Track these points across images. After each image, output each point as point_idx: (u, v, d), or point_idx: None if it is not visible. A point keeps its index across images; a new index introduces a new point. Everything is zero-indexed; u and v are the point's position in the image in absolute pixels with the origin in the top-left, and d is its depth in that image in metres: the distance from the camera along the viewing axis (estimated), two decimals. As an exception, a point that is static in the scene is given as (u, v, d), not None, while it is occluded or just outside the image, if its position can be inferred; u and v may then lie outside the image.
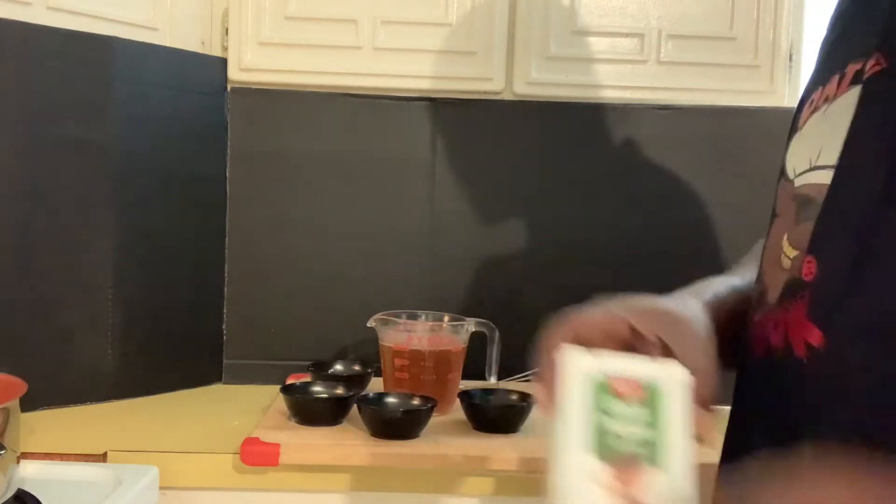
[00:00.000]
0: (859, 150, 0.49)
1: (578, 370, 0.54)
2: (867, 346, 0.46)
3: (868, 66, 0.52)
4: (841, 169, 0.50)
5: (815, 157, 0.54)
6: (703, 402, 0.56)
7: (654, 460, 0.52)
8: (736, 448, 0.58)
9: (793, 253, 0.53)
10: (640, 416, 0.53)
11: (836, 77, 0.55)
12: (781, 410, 0.52)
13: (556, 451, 0.52)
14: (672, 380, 0.54)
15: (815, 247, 0.51)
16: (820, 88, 0.58)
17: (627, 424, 0.53)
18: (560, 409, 0.53)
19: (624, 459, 0.52)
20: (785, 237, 0.55)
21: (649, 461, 0.52)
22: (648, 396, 0.53)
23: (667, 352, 0.56)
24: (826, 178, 0.51)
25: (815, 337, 0.49)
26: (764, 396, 0.54)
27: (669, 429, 0.53)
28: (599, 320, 0.59)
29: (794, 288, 0.52)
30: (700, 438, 0.55)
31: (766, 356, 0.54)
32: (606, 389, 0.53)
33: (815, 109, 0.57)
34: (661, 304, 0.61)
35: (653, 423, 0.53)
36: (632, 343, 0.57)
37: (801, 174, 0.56)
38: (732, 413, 0.62)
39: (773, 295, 0.55)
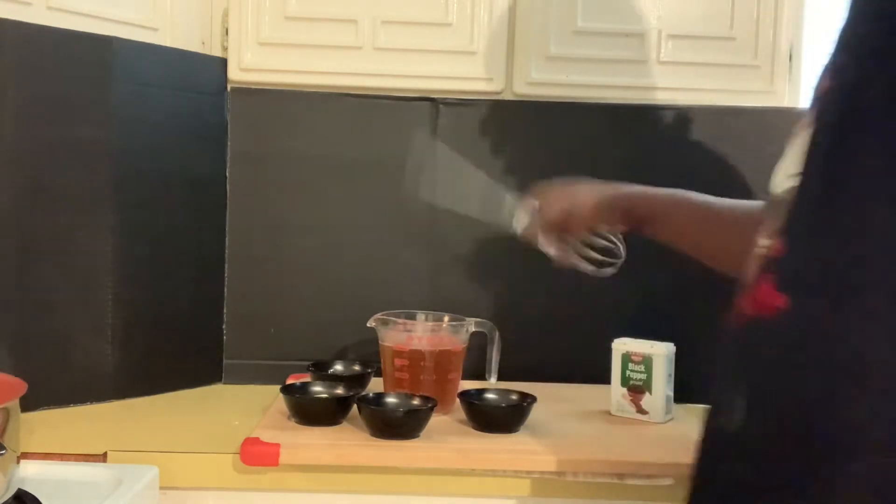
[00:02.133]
0: (811, 162, 0.63)
1: (616, 350, 1.18)
2: (824, 303, 0.59)
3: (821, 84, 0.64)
4: (802, 175, 0.63)
5: (787, 170, 0.67)
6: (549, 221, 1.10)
7: (647, 389, 1.17)
8: (715, 413, 0.69)
9: (766, 242, 0.65)
10: (641, 369, 1.17)
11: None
12: (752, 372, 0.64)
13: (612, 387, 1.19)
14: (657, 352, 1.16)
15: (786, 230, 0.64)
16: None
17: (636, 372, 1.17)
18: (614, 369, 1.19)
19: (635, 387, 1.17)
20: (761, 235, 0.67)
21: (646, 389, 1.17)
22: (644, 359, 1.17)
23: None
24: (793, 182, 0.65)
25: (781, 301, 0.61)
26: (739, 361, 0.67)
27: (654, 375, 1.16)
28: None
29: (764, 267, 0.65)
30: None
31: (743, 327, 0.66)
32: (629, 357, 1.17)
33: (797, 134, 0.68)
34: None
35: (647, 371, 1.16)
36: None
37: (779, 185, 0.69)
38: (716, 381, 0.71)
39: (749, 278, 0.67)
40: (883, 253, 0.57)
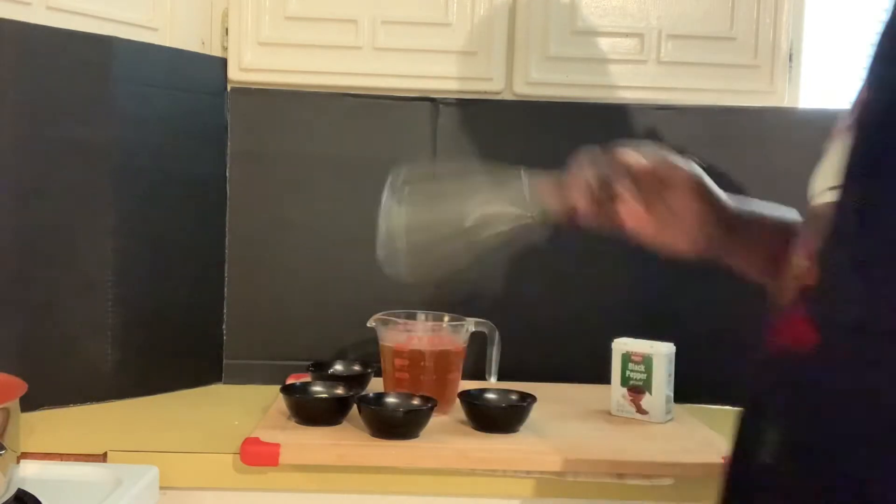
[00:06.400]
0: (853, 174, 0.57)
1: (616, 350, 1.18)
2: (857, 346, 0.54)
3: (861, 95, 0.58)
4: (841, 189, 0.58)
5: (828, 179, 0.61)
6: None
7: (647, 389, 1.16)
8: (745, 444, 0.64)
9: (802, 263, 0.61)
10: (641, 369, 1.17)
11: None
12: (785, 407, 0.60)
13: (612, 387, 1.19)
14: (657, 351, 1.16)
15: (821, 256, 0.59)
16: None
17: (636, 372, 1.17)
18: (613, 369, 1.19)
19: (635, 387, 1.17)
20: (798, 250, 0.62)
21: (646, 389, 1.16)
22: (644, 359, 1.16)
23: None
24: (832, 197, 0.59)
25: (814, 337, 0.57)
26: (772, 393, 0.62)
27: (654, 375, 1.16)
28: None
29: (799, 295, 0.60)
30: None
31: (775, 356, 0.62)
32: (629, 357, 1.17)
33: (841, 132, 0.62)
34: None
35: (647, 371, 1.16)
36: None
37: (818, 194, 0.63)
38: (743, 411, 0.67)
39: (784, 300, 0.62)
40: None
